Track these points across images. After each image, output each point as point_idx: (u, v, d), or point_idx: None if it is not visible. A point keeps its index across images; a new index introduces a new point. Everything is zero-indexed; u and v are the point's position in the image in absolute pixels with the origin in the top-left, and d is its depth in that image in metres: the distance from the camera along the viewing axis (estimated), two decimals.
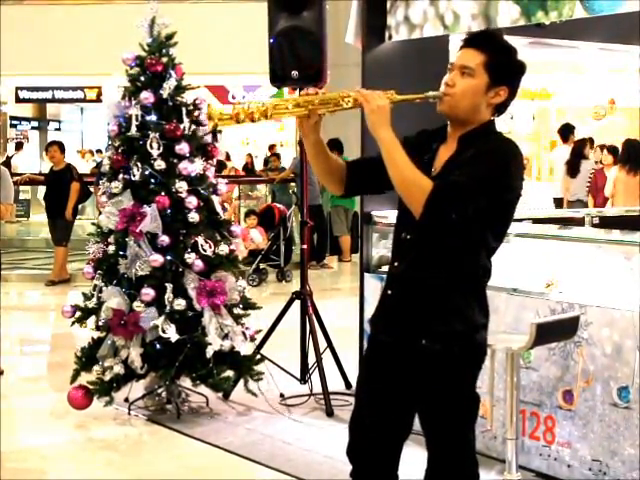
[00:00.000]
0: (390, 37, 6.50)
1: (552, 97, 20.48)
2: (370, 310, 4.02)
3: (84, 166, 22.85)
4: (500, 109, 3.64)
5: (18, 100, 27.15)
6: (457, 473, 3.76)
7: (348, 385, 7.23)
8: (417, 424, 3.77)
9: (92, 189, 14.25)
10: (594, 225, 7.37)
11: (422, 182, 3.40)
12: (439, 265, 3.57)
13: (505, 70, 3.58)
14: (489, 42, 3.60)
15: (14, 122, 30.05)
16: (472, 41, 3.61)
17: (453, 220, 3.39)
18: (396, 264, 3.71)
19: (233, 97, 24.37)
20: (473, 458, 3.82)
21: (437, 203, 3.37)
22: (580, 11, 5.37)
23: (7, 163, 23.16)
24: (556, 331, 5.06)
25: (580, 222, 7.43)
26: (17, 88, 26.04)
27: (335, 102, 3.55)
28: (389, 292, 3.72)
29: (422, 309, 3.60)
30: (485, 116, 3.61)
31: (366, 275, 6.57)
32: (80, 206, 10.50)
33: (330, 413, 6.78)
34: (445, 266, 3.56)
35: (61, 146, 13.75)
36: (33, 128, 31.05)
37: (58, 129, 32.06)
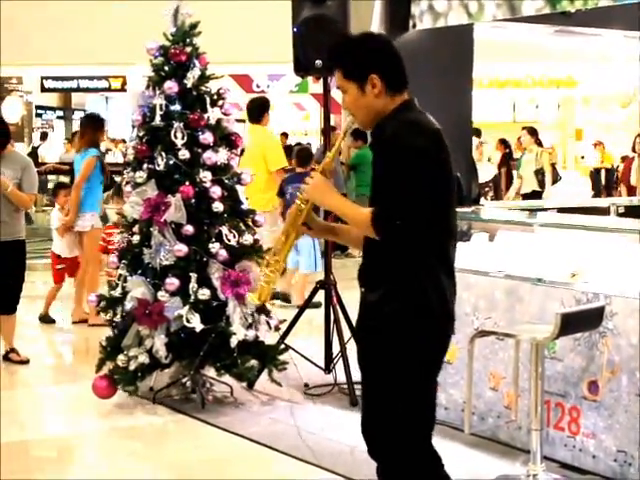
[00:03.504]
0: (414, 25, 6.49)
1: (577, 85, 20.40)
2: None
3: (116, 155, 22.92)
4: (393, 87, 3.74)
5: (43, 89, 27.21)
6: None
7: None
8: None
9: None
10: (620, 214, 7.33)
11: (364, 220, 3.62)
12: (382, 250, 3.69)
13: (358, 66, 3.73)
14: (336, 56, 3.83)
15: (39, 111, 30.14)
16: (331, 64, 3.92)
17: (401, 226, 3.53)
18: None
19: (257, 86, 24.34)
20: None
21: (379, 230, 3.58)
22: None
23: (34, 153, 23.25)
24: (581, 321, 5.05)
25: (605, 211, 7.39)
26: (42, 78, 26.09)
27: (300, 210, 3.89)
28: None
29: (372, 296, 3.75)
30: (386, 106, 3.74)
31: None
32: (105, 195, 10.49)
33: (354, 403, 6.77)
34: (388, 250, 3.66)
35: None
36: (58, 117, 31.13)
37: None
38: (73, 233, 9.73)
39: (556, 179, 15.60)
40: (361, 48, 3.78)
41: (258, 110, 10.33)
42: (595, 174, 21.46)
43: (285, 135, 23.79)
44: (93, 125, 9.87)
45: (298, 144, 21.25)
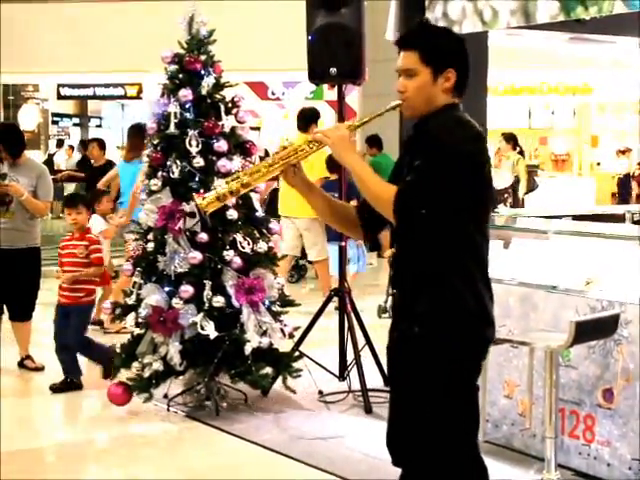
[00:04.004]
0: None
1: (593, 91, 20.36)
2: None
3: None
4: (458, 89, 3.71)
5: (59, 97, 27.32)
6: None
7: (386, 382, 7.21)
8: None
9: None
10: (635, 222, 7.32)
11: (386, 194, 3.53)
12: (424, 257, 3.62)
13: (442, 56, 3.67)
14: (417, 38, 3.72)
15: (55, 119, 30.25)
16: (403, 42, 3.75)
17: (424, 215, 3.47)
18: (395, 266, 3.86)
19: (273, 93, 24.38)
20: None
21: (400, 208, 3.50)
22: (620, 7, 5.34)
23: (49, 161, 23.33)
24: (596, 329, 5.03)
25: (620, 219, 7.37)
26: (58, 85, 26.20)
27: (302, 150, 3.69)
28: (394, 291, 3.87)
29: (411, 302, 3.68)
30: (441, 103, 3.68)
31: None
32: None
33: (369, 410, 6.77)
34: (429, 257, 3.61)
35: (100, 143, 13.82)
36: (74, 125, 31.24)
37: (99, 126, 32.21)
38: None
39: (533, 187, 15.49)
40: (449, 39, 3.72)
41: (306, 120, 10.65)
42: (623, 180, 21.29)
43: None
44: (141, 135, 9.93)
45: None
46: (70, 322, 7.47)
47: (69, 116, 30.93)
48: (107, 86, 25.98)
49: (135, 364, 6.74)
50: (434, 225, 3.52)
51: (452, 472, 3.68)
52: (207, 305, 6.55)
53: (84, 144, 20.17)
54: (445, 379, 3.61)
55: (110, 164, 13.83)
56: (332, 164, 10.35)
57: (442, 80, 3.65)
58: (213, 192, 3.71)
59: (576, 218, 7.02)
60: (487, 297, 3.68)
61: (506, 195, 18.62)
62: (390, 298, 10.05)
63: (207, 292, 6.56)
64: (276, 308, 6.92)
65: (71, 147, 26.15)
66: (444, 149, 3.51)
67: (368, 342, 7.22)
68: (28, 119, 26.17)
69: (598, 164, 22.73)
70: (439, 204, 3.48)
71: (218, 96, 6.92)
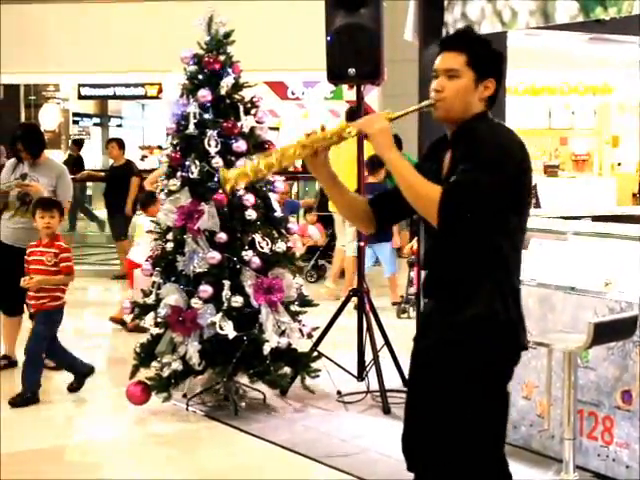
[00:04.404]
0: (447, 33, 6.48)
1: (613, 91, 20.26)
2: None
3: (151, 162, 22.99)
4: (492, 100, 3.70)
5: (80, 97, 27.40)
6: None
7: (405, 382, 7.20)
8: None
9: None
10: None
11: (431, 193, 3.47)
12: (464, 261, 3.60)
13: (487, 63, 3.65)
14: (465, 41, 3.68)
15: (76, 119, 30.33)
16: (449, 43, 3.71)
17: (469, 218, 3.44)
18: (427, 272, 3.84)
19: (293, 93, 24.37)
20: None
21: (448, 208, 3.43)
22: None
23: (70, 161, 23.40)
24: (614, 330, 5.01)
25: None
26: (79, 85, 26.27)
27: (338, 134, 3.64)
28: (426, 301, 3.88)
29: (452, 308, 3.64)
30: (473, 112, 3.65)
31: (423, 273, 6.54)
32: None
33: (387, 411, 6.77)
34: (471, 261, 3.58)
35: (120, 142, 13.87)
36: (95, 124, 31.32)
37: (120, 125, 32.30)
38: None
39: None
40: (494, 51, 3.70)
41: (352, 120, 10.54)
42: None
43: None
44: None
45: None
46: (34, 329, 7.31)
47: (90, 116, 31.02)
48: (127, 86, 26.03)
49: (154, 364, 6.77)
50: (478, 228, 3.50)
51: (481, 476, 3.67)
52: (226, 305, 6.56)
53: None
54: (481, 385, 3.60)
55: (129, 164, 13.88)
56: (372, 166, 10.35)
57: (482, 88, 3.64)
58: (241, 167, 3.62)
59: (596, 219, 6.99)
60: (521, 303, 3.70)
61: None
62: (409, 297, 10.08)
63: (226, 292, 6.57)
64: (295, 308, 6.93)
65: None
66: (493, 153, 3.49)
67: (387, 342, 7.22)
68: (49, 119, 26.21)
69: (619, 164, 22.63)
70: (485, 207, 3.46)
71: (237, 96, 6.94)
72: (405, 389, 7.08)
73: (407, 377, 3.96)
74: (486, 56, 3.66)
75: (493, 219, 3.52)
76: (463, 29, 4.13)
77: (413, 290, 9.66)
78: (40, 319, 7.29)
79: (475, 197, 3.43)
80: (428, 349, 3.70)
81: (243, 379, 6.93)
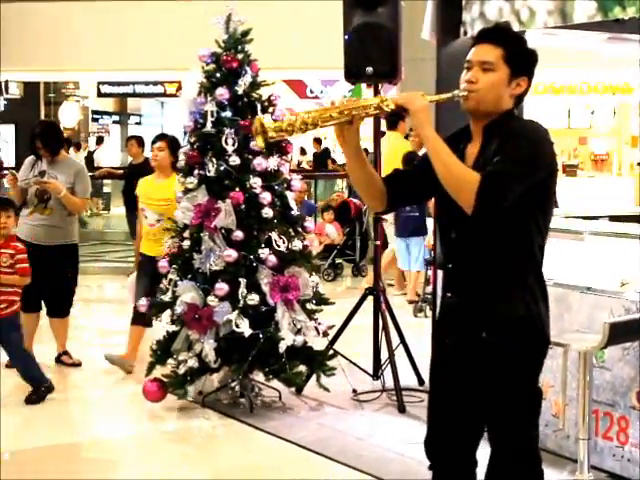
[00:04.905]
0: (465, 33, 6.47)
1: (633, 91, 20.21)
2: None
3: None
4: (520, 99, 3.69)
5: (100, 95, 27.52)
6: (520, 470, 3.73)
7: (421, 381, 7.21)
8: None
9: None
10: None
11: (467, 175, 3.45)
12: (495, 257, 3.58)
13: (523, 61, 3.64)
14: (503, 35, 3.66)
15: (96, 116, 30.46)
16: (487, 36, 3.67)
17: (505, 208, 3.43)
18: (450, 266, 3.74)
19: (311, 91, 24.40)
20: (537, 455, 3.78)
21: (487, 193, 3.40)
22: None
23: (89, 158, 23.47)
24: (630, 331, 5.00)
25: None
26: (99, 83, 26.38)
27: (376, 106, 3.55)
28: (448, 295, 3.78)
29: (484, 305, 3.63)
30: (503, 109, 3.63)
31: (440, 272, 6.54)
32: None
33: (402, 409, 6.77)
34: (501, 257, 3.57)
35: (139, 140, 13.86)
36: (114, 122, 31.44)
37: (139, 123, 32.43)
38: None
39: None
40: (530, 49, 3.68)
41: (395, 117, 10.61)
42: None
43: (318, 141, 23.69)
44: None
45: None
46: (6, 339, 7.05)
47: (109, 114, 31.14)
48: (147, 84, 26.14)
49: (170, 361, 6.80)
50: (512, 221, 3.50)
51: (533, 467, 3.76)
52: (242, 303, 6.58)
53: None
54: (526, 381, 3.67)
55: (148, 161, 13.89)
56: (408, 161, 10.34)
57: (514, 85, 3.62)
58: (283, 123, 3.48)
59: (613, 219, 6.97)
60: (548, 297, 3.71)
61: None
62: (426, 296, 10.04)
63: (242, 290, 6.59)
64: (311, 306, 6.93)
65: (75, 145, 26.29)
66: (532, 149, 3.49)
67: (402, 341, 7.22)
68: (68, 116, 26.33)
69: (638, 164, 22.57)
70: (521, 199, 3.45)
71: (255, 95, 6.94)
72: (421, 388, 7.13)
73: (430, 373, 3.93)
74: (522, 53, 3.65)
75: (527, 214, 3.53)
76: (502, 24, 4.11)
77: (430, 289, 9.67)
78: (9, 327, 6.99)
79: (514, 187, 3.43)
80: (461, 346, 3.69)
81: (259, 377, 6.94)
